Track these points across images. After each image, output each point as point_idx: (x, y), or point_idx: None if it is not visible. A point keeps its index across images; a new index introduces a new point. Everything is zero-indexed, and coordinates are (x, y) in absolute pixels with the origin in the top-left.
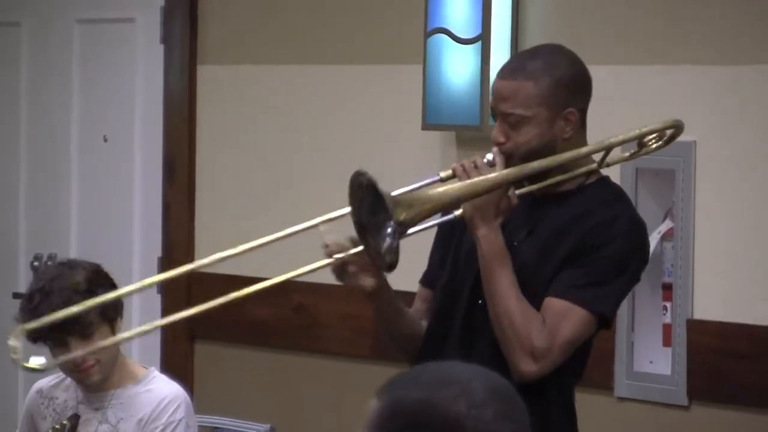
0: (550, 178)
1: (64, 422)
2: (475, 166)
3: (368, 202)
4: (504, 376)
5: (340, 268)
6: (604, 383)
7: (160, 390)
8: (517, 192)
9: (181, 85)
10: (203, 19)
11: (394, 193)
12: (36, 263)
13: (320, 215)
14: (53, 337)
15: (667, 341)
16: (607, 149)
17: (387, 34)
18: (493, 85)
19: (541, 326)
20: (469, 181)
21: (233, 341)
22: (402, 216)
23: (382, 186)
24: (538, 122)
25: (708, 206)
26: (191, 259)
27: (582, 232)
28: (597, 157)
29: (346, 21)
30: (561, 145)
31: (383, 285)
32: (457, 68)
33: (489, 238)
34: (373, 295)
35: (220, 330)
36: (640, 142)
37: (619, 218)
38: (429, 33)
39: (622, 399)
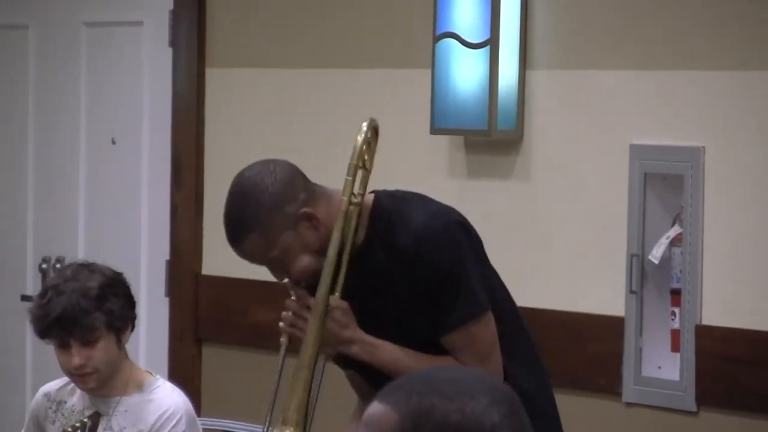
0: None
1: (84, 420)
2: (295, 315)
3: None
4: None
5: None
6: (612, 388)
7: (162, 401)
8: (337, 294)
9: (189, 88)
10: (211, 23)
11: None
12: (44, 266)
13: None
14: (56, 336)
15: (675, 347)
16: (350, 202)
17: (395, 38)
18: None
19: (457, 364)
20: (303, 360)
21: (241, 344)
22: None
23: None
24: (291, 246)
25: (716, 212)
26: (199, 262)
27: (403, 274)
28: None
29: (355, 25)
30: (325, 231)
31: None
32: (466, 73)
33: (362, 349)
34: None
35: (228, 333)
36: (361, 159)
37: (416, 241)
38: (437, 37)
39: (630, 404)
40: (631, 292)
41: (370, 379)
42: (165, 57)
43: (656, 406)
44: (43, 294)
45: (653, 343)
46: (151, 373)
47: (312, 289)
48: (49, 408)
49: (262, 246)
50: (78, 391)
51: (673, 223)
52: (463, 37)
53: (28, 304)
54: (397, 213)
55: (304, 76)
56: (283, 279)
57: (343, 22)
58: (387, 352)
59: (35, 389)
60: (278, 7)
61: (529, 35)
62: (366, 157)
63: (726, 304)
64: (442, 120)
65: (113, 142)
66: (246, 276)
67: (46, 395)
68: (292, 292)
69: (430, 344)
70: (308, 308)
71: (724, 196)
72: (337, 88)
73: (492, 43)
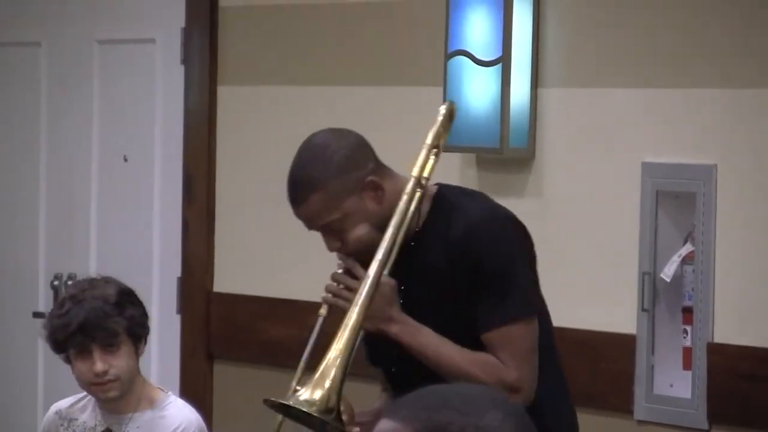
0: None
1: None
2: (340, 286)
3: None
4: None
5: None
6: (624, 406)
7: (175, 417)
8: (386, 272)
9: (200, 105)
10: (223, 40)
11: (302, 397)
12: (56, 283)
13: None
14: (77, 343)
15: (687, 364)
16: (419, 187)
17: (407, 56)
18: (297, 216)
19: (496, 363)
20: (348, 323)
21: (252, 361)
22: (328, 404)
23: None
24: (353, 212)
25: (728, 230)
26: (210, 279)
27: (454, 265)
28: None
29: (367, 42)
30: (388, 206)
31: None
32: (478, 90)
33: (403, 330)
34: None
35: (239, 350)
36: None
37: (471, 233)
38: (449, 55)
39: (641, 422)
40: (643, 310)
41: (395, 381)
42: (177, 74)
43: (668, 424)
44: (60, 305)
45: (665, 361)
46: (163, 390)
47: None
48: (61, 425)
49: (324, 207)
50: (89, 408)
51: (685, 241)
52: (475, 54)
53: (40, 321)
54: (458, 205)
55: (316, 94)
56: (335, 248)
57: (354, 40)
58: (429, 336)
59: (47, 406)
60: (290, 25)
61: (541, 53)
62: (440, 141)
63: (738, 321)
64: (453, 138)
65: (125, 160)
66: (257, 293)
67: (57, 413)
68: (340, 263)
69: (471, 340)
70: (356, 280)
71: (736, 214)
72: (348, 106)
73: (504, 60)
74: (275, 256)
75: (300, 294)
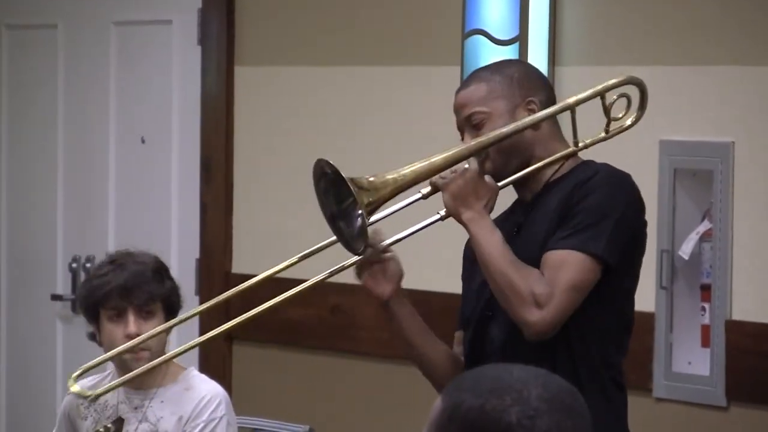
0: (530, 166)
1: (108, 426)
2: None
3: (333, 190)
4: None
5: (362, 266)
6: (643, 384)
7: (200, 388)
8: (500, 184)
9: (218, 86)
10: (240, 21)
11: (354, 177)
12: (74, 265)
13: None
14: (113, 305)
15: (705, 342)
16: (567, 109)
17: (424, 36)
18: (454, 104)
19: (539, 276)
20: (426, 160)
21: (271, 342)
22: (366, 200)
23: (345, 172)
24: (499, 115)
25: (746, 207)
26: (229, 261)
27: (566, 197)
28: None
29: (383, 22)
30: (530, 137)
31: (400, 298)
32: None
33: (474, 220)
34: (387, 305)
35: (258, 331)
36: (607, 113)
37: (597, 173)
38: (466, 34)
39: (660, 399)
40: (662, 287)
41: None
42: (194, 55)
43: (686, 402)
44: (99, 268)
45: (683, 338)
46: (183, 366)
47: None
48: (81, 404)
49: (476, 98)
50: None
51: (703, 219)
52: (492, 33)
53: (59, 303)
54: (597, 165)
55: (333, 74)
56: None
57: (371, 20)
58: (494, 236)
59: (65, 388)
60: (307, 5)
61: (558, 31)
62: (609, 110)
63: (756, 299)
64: None
65: (143, 141)
66: (276, 274)
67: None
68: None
69: None
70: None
71: (754, 191)
72: (365, 86)
73: (521, 39)
74: (293, 237)
75: (317, 275)
